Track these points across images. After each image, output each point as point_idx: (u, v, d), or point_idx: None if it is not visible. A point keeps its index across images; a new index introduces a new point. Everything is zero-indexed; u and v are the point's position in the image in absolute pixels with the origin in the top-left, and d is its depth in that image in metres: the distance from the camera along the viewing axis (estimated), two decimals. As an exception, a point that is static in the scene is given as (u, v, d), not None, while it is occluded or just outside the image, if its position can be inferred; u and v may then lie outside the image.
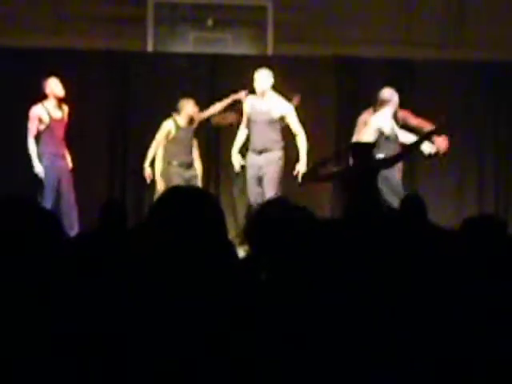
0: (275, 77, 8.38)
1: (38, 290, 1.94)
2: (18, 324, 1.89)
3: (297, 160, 8.29)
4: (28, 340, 1.87)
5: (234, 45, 10.23)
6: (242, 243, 7.41)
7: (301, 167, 8.18)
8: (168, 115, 8.97)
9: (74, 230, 7.69)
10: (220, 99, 8.90)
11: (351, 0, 10.12)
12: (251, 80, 8.42)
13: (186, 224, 2.02)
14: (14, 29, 9.85)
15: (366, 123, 8.47)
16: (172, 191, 2.16)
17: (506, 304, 2.54)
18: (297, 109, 8.49)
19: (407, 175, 8.99)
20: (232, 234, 7.54)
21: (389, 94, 8.24)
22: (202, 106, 8.96)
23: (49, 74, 8.30)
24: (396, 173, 8.08)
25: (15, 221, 2.00)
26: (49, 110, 8.29)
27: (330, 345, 2.07)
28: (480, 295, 2.57)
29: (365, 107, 8.74)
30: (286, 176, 8.36)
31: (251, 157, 8.20)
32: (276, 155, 8.08)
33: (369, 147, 7.50)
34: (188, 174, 8.82)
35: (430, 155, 8.24)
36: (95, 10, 10.02)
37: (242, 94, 8.50)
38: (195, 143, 8.98)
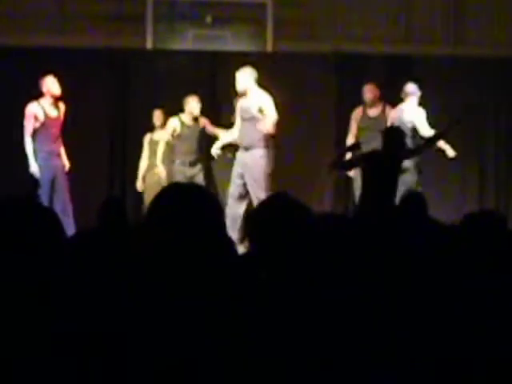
0: (274, 74, 8.35)
1: (37, 288, 1.94)
2: (18, 323, 1.88)
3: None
4: (28, 339, 1.87)
5: (233, 42, 10.22)
6: (242, 240, 7.43)
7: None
8: (169, 112, 9.00)
9: (70, 229, 7.65)
10: (219, 96, 8.91)
11: (351, -3, 10.14)
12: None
13: (185, 221, 2.01)
14: (15, 28, 9.85)
15: (356, 119, 8.77)
16: (171, 188, 2.15)
17: (506, 299, 2.53)
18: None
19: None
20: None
21: (413, 88, 8.60)
22: (202, 103, 8.97)
23: (46, 73, 8.29)
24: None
25: (15, 220, 2.00)
26: (44, 108, 8.27)
27: (329, 343, 2.06)
28: (481, 290, 2.56)
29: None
30: (281, 174, 8.34)
31: (238, 154, 8.21)
32: (258, 153, 8.02)
33: (403, 133, 7.61)
34: (191, 172, 8.83)
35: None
36: (95, 8, 10.02)
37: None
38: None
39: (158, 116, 9.32)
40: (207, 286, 1.95)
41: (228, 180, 8.39)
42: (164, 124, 9.19)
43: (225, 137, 8.45)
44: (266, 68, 9.69)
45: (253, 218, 2.49)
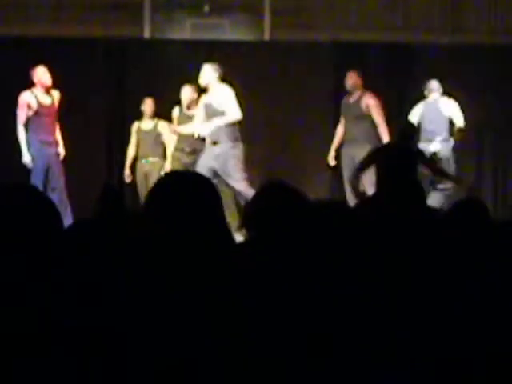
0: (272, 63, 8.32)
1: (35, 281, 1.92)
2: (16, 318, 1.87)
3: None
4: (26, 334, 1.85)
5: (231, 31, 10.20)
6: (240, 228, 7.42)
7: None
8: (165, 101, 9.01)
9: (66, 219, 7.63)
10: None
11: (349, -15, 10.10)
12: (246, 66, 8.38)
13: (184, 210, 2.00)
14: (12, 17, 9.82)
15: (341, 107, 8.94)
16: (169, 176, 2.14)
17: (506, 299, 2.52)
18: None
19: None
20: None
21: (437, 85, 8.95)
22: (199, 92, 8.96)
23: (39, 62, 8.28)
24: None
25: (13, 209, 1.98)
26: (37, 96, 8.25)
27: (329, 342, 2.05)
28: (481, 290, 2.56)
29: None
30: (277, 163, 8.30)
31: (207, 147, 8.22)
32: (225, 146, 8.01)
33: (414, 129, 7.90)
34: (188, 159, 8.82)
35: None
36: (92, -3, 10.00)
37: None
38: None
39: (149, 104, 9.28)
40: (206, 278, 1.95)
41: None
42: (154, 113, 9.22)
43: (185, 129, 8.51)
44: (263, 57, 9.69)
45: (250, 206, 2.49)
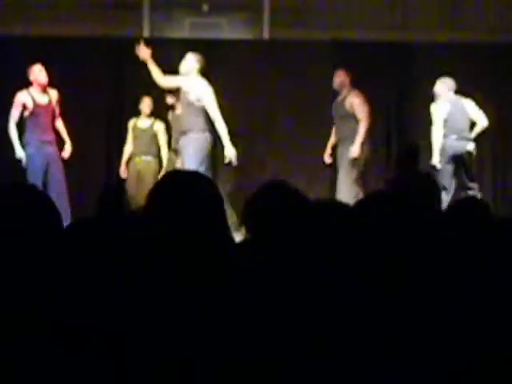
0: (271, 62, 8.31)
1: (35, 281, 1.92)
2: (15, 317, 1.87)
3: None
4: (25, 331, 1.85)
5: (229, 30, 10.20)
6: (239, 227, 7.42)
7: (228, 152, 8.10)
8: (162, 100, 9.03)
9: (65, 218, 7.59)
10: (216, 84, 8.89)
11: (347, -17, 10.10)
12: (245, 65, 8.37)
13: (183, 209, 2.00)
14: (11, 17, 9.81)
15: (336, 105, 8.75)
16: (171, 175, 2.14)
17: (506, 299, 2.52)
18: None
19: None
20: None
21: (453, 83, 8.80)
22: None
23: (37, 62, 8.26)
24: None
25: (13, 209, 1.98)
26: (33, 96, 8.23)
27: (329, 342, 2.05)
28: (481, 290, 2.56)
29: (362, 91, 8.75)
30: (276, 160, 8.29)
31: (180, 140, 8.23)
32: (194, 136, 7.98)
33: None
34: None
35: None
36: (91, -4, 10.00)
37: None
38: None
39: (147, 103, 9.29)
40: (205, 278, 1.95)
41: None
42: (151, 112, 9.24)
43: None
44: (262, 56, 9.69)
45: (250, 205, 2.49)
